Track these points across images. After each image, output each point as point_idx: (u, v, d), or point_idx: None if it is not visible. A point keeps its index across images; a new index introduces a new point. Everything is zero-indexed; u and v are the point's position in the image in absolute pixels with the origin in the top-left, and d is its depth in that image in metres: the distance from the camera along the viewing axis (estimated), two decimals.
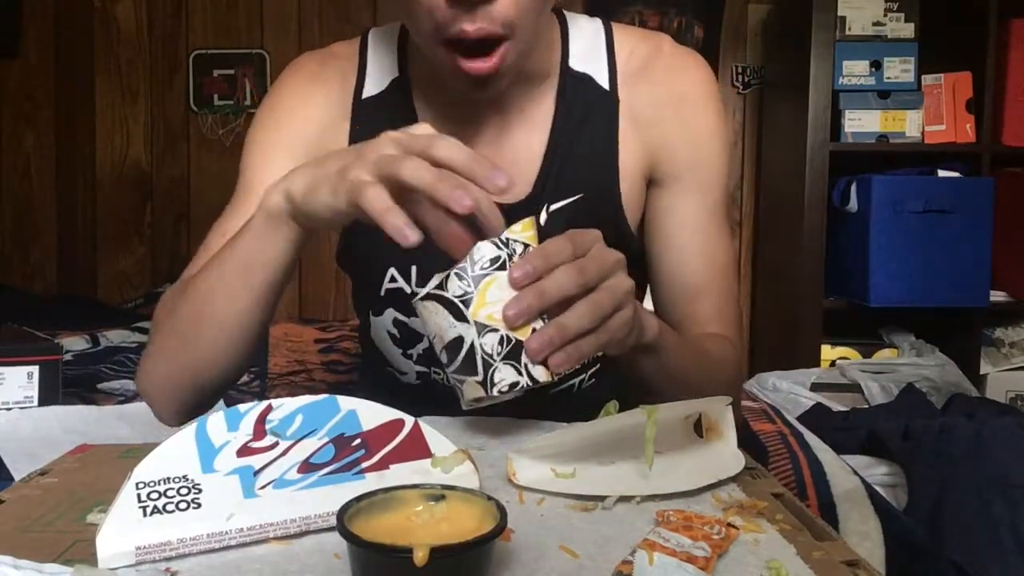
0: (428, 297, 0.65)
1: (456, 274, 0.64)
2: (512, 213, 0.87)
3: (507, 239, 0.65)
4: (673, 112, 0.91)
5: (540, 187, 0.89)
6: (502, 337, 0.64)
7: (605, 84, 0.91)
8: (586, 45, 0.93)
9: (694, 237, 0.92)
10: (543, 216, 0.89)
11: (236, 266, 0.75)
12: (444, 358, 0.66)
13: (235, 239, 0.76)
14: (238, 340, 0.79)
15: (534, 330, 0.64)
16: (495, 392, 0.64)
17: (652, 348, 0.76)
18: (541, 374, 0.64)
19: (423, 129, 0.68)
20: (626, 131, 0.91)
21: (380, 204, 0.62)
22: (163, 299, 0.86)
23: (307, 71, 0.94)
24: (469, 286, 0.64)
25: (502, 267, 0.64)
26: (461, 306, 0.64)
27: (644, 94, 0.91)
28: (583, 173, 0.90)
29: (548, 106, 0.91)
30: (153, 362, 0.83)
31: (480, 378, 0.64)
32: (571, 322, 0.65)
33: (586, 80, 0.91)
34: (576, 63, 0.92)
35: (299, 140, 0.91)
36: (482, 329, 0.64)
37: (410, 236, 0.61)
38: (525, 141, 0.90)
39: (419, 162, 0.62)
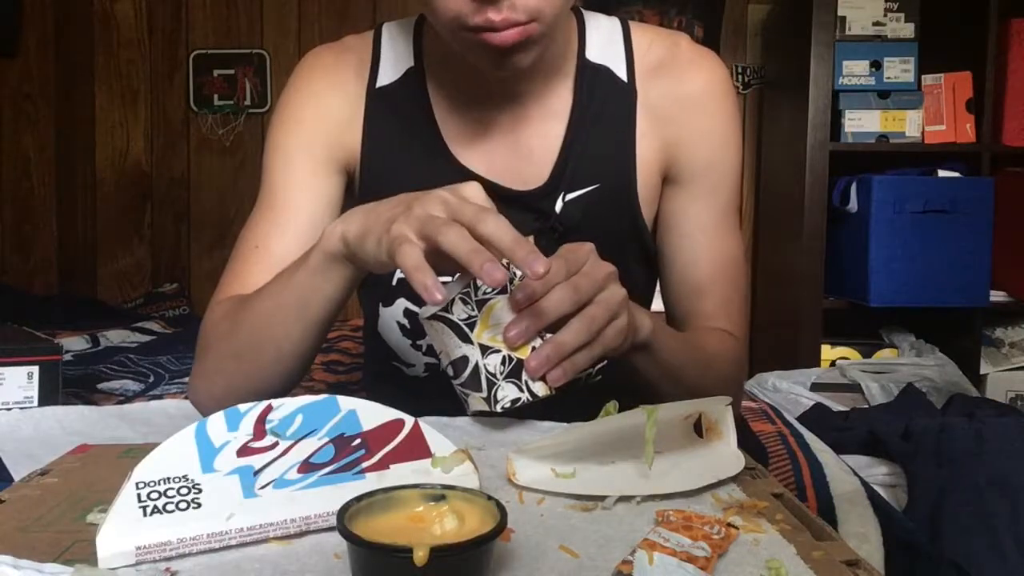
0: (435, 317, 0.69)
1: (461, 299, 0.68)
2: (528, 201, 0.90)
3: (508, 263, 0.68)
4: (690, 111, 0.92)
5: (556, 176, 0.90)
6: (504, 357, 0.68)
7: (623, 76, 0.92)
8: (603, 39, 0.93)
9: (704, 237, 0.94)
10: (559, 204, 0.90)
11: (293, 299, 0.78)
12: (451, 371, 0.71)
13: (292, 272, 0.78)
14: (292, 363, 0.82)
15: (533, 348, 0.68)
16: (498, 408, 0.68)
17: (647, 346, 0.78)
18: (540, 389, 0.68)
19: (473, 192, 0.68)
20: (643, 125, 0.91)
21: (411, 262, 0.63)
22: (213, 319, 0.88)
23: (321, 66, 0.95)
24: (473, 310, 0.68)
25: (503, 291, 0.68)
26: (466, 329, 0.68)
27: (662, 90, 0.92)
28: (600, 164, 0.91)
29: (566, 97, 0.91)
30: (210, 380, 0.86)
31: (485, 395, 0.69)
32: (567, 338, 0.68)
33: (604, 72, 0.92)
34: (593, 55, 0.92)
35: (318, 139, 0.92)
36: (485, 350, 0.68)
37: (436, 295, 0.62)
38: (541, 131, 0.91)
39: (460, 232, 0.63)
